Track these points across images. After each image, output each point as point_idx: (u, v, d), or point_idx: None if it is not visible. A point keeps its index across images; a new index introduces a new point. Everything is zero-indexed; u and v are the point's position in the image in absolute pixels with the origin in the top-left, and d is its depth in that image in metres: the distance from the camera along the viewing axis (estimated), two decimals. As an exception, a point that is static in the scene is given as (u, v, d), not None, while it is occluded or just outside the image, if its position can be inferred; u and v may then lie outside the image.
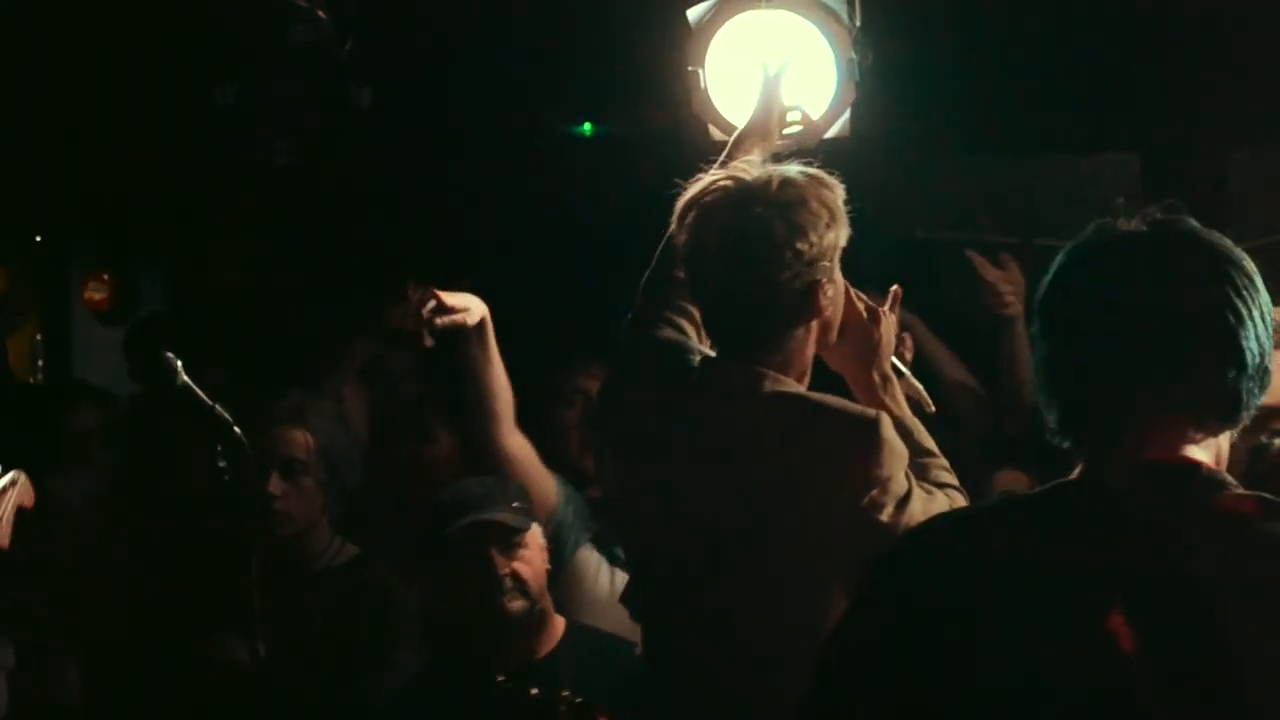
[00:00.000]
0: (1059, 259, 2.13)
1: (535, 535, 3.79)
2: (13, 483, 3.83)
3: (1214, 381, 2.02)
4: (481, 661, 3.73)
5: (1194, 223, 2.10)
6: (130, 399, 6.46)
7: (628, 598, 3.16)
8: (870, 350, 3.12)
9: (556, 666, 3.72)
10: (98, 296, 9.25)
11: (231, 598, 3.74)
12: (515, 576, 3.72)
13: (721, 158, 3.25)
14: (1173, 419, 2.03)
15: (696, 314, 3.16)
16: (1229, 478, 2.03)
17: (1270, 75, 5.18)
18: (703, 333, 3.16)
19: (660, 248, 3.22)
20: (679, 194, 3.01)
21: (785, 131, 3.43)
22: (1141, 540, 1.95)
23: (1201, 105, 5.54)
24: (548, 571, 3.82)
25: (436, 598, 3.99)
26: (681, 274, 3.12)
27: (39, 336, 9.44)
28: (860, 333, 3.11)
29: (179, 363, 3.68)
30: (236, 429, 3.51)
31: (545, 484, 4.12)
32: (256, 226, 7.52)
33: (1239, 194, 5.85)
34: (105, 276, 9.26)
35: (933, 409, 3.21)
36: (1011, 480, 4.41)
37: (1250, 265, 2.08)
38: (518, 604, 3.72)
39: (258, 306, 7.53)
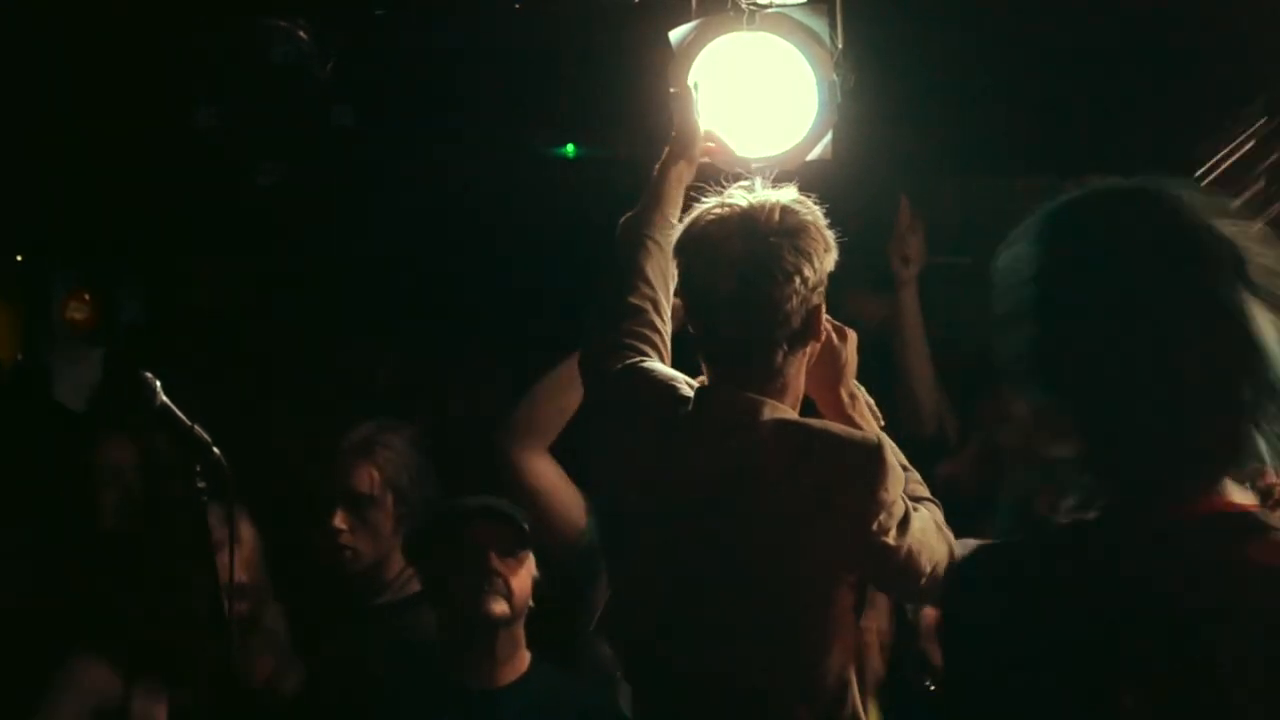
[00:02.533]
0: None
1: (532, 562, 3.77)
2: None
3: (1264, 388, 1.94)
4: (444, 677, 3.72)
5: (1188, 211, 1.99)
6: (106, 418, 6.43)
7: (603, 625, 3.13)
8: (838, 369, 3.12)
9: (512, 701, 3.71)
10: (78, 316, 9.22)
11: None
12: (506, 582, 3.70)
13: (652, 186, 3.27)
14: (1223, 451, 1.98)
15: (659, 341, 3.15)
16: (1270, 518, 1.99)
17: (1255, 99, 5.19)
18: (668, 360, 3.15)
19: (614, 276, 3.22)
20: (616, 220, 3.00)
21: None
22: (1237, 584, 1.92)
23: (1186, 126, 5.55)
24: (531, 607, 3.80)
25: (428, 589, 3.93)
26: (638, 301, 3.12)
27: (19, 355, 9.41)
28: (828, 352, 3.11)
29: (158, 383, 3.66)
30: (216, 449, 3.49)
31: (575, 503, 4.11)
32: (239, 247, 7.50)
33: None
34: (86, 296, 9.23)
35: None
36: None
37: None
38: (500, 607, 3.70)
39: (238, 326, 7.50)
